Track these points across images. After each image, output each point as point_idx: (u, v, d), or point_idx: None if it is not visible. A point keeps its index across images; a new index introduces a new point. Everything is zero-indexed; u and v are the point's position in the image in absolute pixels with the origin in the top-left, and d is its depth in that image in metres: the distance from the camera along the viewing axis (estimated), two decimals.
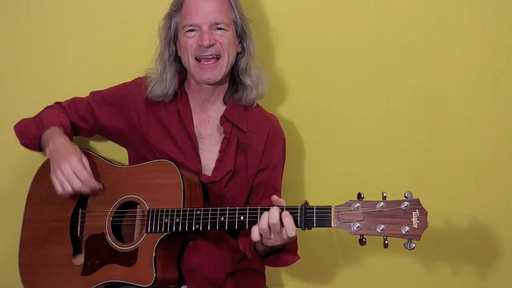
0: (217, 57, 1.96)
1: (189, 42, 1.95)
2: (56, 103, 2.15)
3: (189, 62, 1.97)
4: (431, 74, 2.25)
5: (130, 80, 2.13)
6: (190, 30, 1.96)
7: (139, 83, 2.08)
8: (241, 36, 2.03)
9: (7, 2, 2.28)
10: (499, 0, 2.20)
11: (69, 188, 1.88)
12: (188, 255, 1.99)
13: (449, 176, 2.28)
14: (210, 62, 1.95)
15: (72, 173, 1.88)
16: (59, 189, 1.89)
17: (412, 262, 2.27)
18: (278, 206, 1.74)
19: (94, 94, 2.13)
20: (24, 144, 2.09)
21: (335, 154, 2.31)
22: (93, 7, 2.28)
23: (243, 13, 2.03)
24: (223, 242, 2.02)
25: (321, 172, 2.33)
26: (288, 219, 1.70)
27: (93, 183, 1.90)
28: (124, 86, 2.12)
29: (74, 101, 2.14)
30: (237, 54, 2.03)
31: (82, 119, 2.10)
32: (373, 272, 2.32)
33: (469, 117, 2.26)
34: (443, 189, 2.27)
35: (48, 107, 2.13)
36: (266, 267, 2.15)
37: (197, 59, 1.95)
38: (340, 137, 2.31)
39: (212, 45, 1.93)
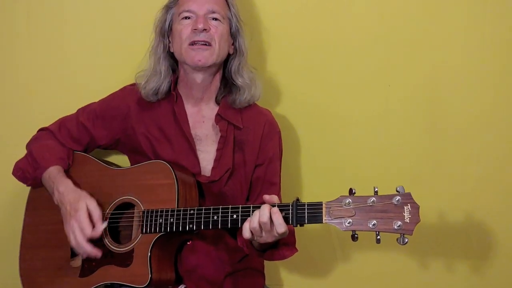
0: (209, 44, 1.97)
1: (184, 30, 1.98)
2: (43, 129, 2.12)
3: (182, 48, 1.98)
4: (430, 74, 2.24)
5: (128, 81, 2.14)
6: (186, 18, 1.99)
7: (129, 90, 2.10)
8: (234, 35, 2.05)
9: (7, 2, 2.29)
10: (499, 0, 2.18)
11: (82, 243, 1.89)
12: (186, 255, 1.99)
13: (448, 176, 2.26)
14: (201, 45, 1.96)
15: (79, 232, 1.88)
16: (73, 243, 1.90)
17: (410, 258, 2.26)
18: (269, 204, 1.74)
19: (82, 110, 2.12)
20: (29, 185, 2.08)
21: (333, 154, 2.30)
22: (93, 7, 2.29)
23: (239, 14, 2.06)
24: (221, 242, 2.02)
25: (319, 171, 2.32)
26: (277, 215, 1.70)
27: (97, 234, 1.89)
28: (114, 96, 2.12)
29: (63, 123, 2.11)
30: (230, 54, 2.05)
31: (75, 142, 2.09)
32: (372, 270, 2.30)
33: (468, 117, 2.24)
34: (441, 189, 2.25)
35: (36, 138, 2.10)
36: (266, 267, 2.15)
37: (190, 44, 1.97)
38: (339, 137, 2.30)
39: (206, 30, 1.96)
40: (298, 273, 2.36)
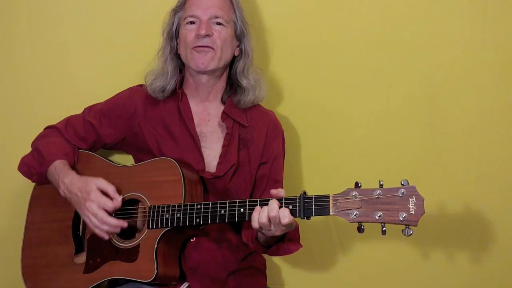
0: (211, 48, 2.01)
1: (188, 34, 2.02)
2: (49, 127, 2.14)
3: (187, 52, 2.02)
4: (431, 74, 2.27)
5: (129, 81, 2.17)
6: (190, 22, 2.03)
7: (136, 90, 2.13)
8: (239, 37, 2.09)
9: (7, 2, 2.30)
10: (499, 0, 2.22)
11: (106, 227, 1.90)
12: (190, 253, 2.00)
13: (448, 174, 2.28)
14: (204, 48, 2.00)
15: (99, 209, 1.88)
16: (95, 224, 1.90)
17: (410, 253, 2.28)
18: (277, 197, 1.76)
19: (89, 109, 2.14)
20: (34, 181, 2.09)
21: (334, 154, 2.33)
22: (94, 7, 2.30)
23: (244, 16, 2.10)
24: (225, 241, 2.04)
25: (321, 171, 2.34)
26: (283, 208, 1.73)
27: (119, 204, 1.90)
28: (120, 96, 2.15)
29: (70, 121, 2.13)
30: (235, 56, 2.09)
31: (81, 140, 2.11)
32: (373, 268, 2.33)
33: (468, 117, 2.27)
34: (442, 187, 2.27)
35: (42, 135, 2.12)
36: (267, 267, 2.17)
37: (193, 48, 2.01)
38: (340, 137, 2.32)
39: (208, 36, 2.00)
40: (299, 273, 2.36)
